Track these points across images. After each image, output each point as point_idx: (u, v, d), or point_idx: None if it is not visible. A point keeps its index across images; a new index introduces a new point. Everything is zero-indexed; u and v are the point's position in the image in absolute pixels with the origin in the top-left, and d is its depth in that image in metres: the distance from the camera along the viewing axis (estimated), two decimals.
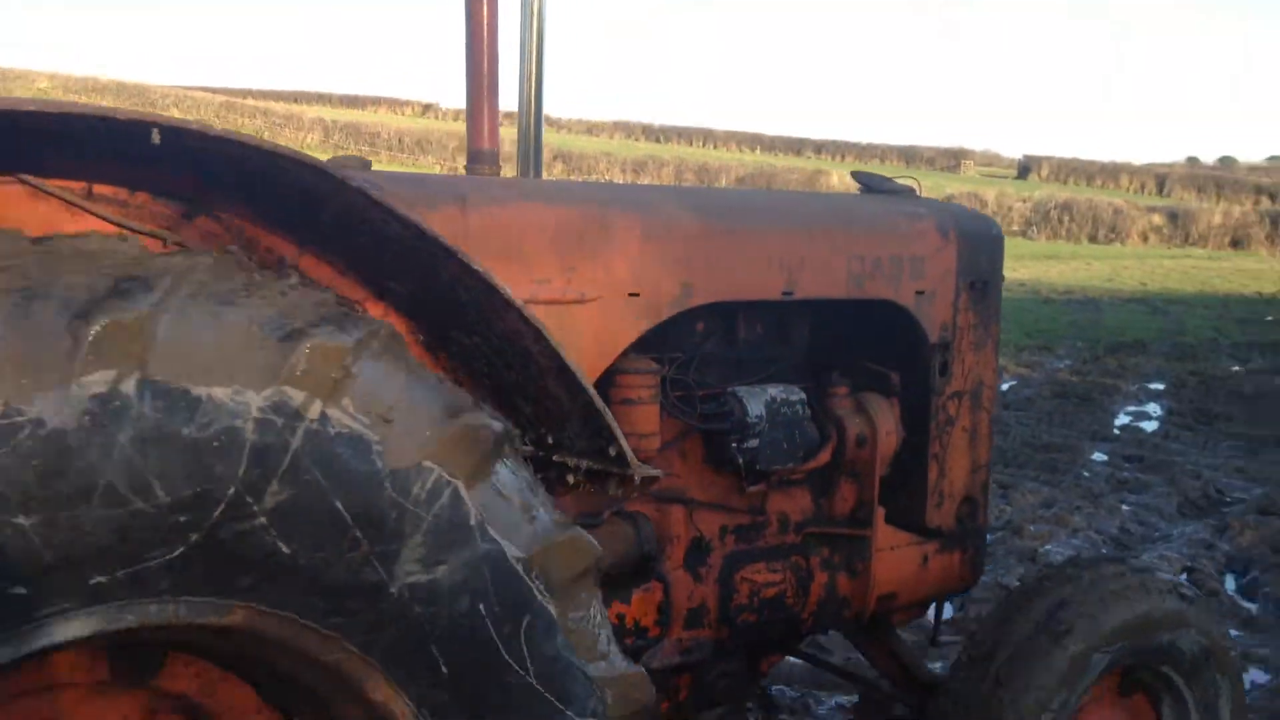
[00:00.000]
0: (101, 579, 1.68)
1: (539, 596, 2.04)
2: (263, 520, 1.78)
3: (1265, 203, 58.39)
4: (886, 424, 3.54)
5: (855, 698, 5.08)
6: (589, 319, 2.78)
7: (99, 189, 2.10)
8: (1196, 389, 13.85)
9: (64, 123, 1.78)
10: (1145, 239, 45.86)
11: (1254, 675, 5.55)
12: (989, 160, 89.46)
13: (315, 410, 1.82)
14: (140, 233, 2.07)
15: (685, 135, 78.34)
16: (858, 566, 3.57)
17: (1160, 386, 14.16)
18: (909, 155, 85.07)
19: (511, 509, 2.02)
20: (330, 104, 79.46)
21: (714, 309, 3.18)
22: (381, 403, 1.89)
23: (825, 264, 3.35)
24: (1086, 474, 9.50)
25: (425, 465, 1.93)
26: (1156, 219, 47.25)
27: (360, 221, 2.10)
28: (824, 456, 3.45)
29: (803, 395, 3.36)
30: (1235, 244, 45.36)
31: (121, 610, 1.73)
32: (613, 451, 2.29)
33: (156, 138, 1.80)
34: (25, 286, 1.67)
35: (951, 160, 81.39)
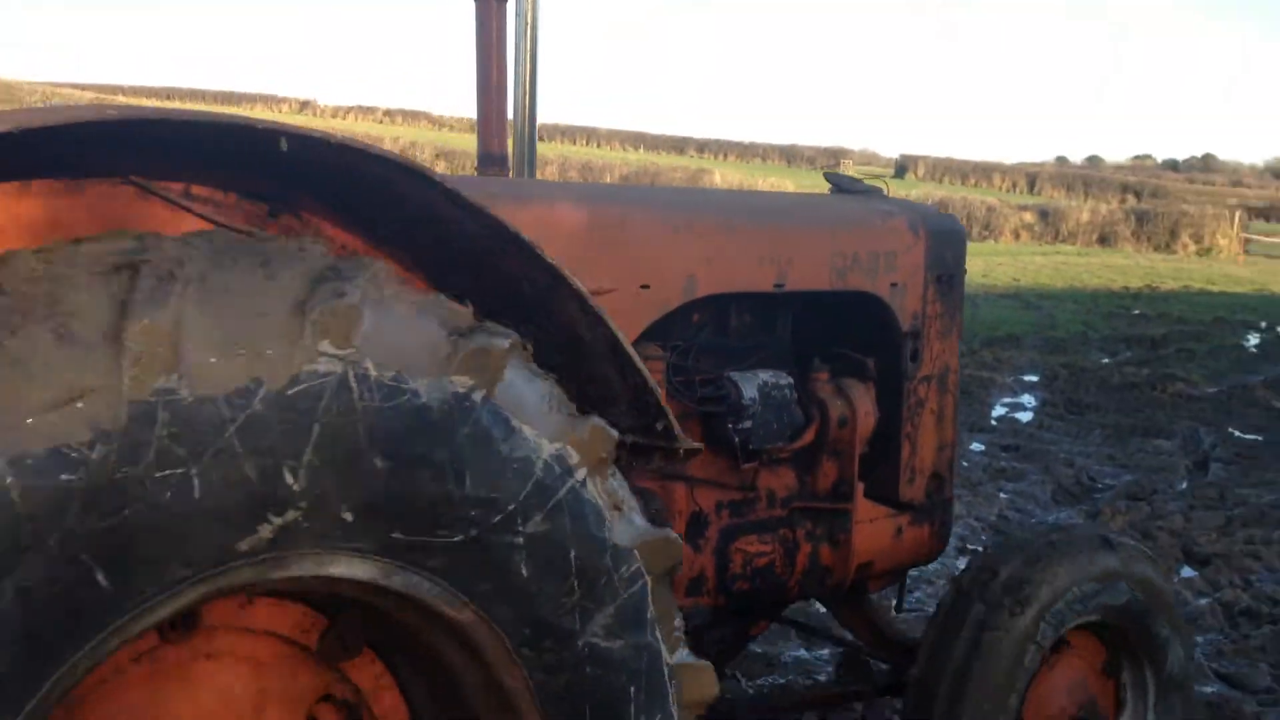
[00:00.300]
0: (399, 536, 1.97)
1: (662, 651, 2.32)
2: (521, 541, 2.08)
3: (1130, 201, 60.55)
4: (864, 406, 3.78)
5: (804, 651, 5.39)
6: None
7: (195, 189, 2.26)
8: (1068, 381, 14.32)
9: (172, 128, 1.91)
10: (1017, 236, 47.11)
11: None
12: (867, 159, 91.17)
13: (582, 472, 2.17)
14: (235, 230, 2.17)
15: (569, 134, 78.38)
16: (839, 538, 3.81)
17: (1034, 379, 14.60)
18: (790, 154, 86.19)
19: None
20: (205, 100, 77.67)
21: (710, 300, 3.41)
22: (615, 494, 2.25)
23: (812, 259, 3.62)
24: (965, 463, 9.77)
25: (632, 553, 2.25)
26: (1028, 217, 48.57)
27: (436, 217, 2.27)
28: (809, 436, 3.69)
29: (790, 380, 3.58)
30: (1103, 241, 46.85)
31: (399, 570, 2.00)
32: (660, 426, 2.52)
33: (284, 145, 1.97)
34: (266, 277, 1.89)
35: (831, 159, 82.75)
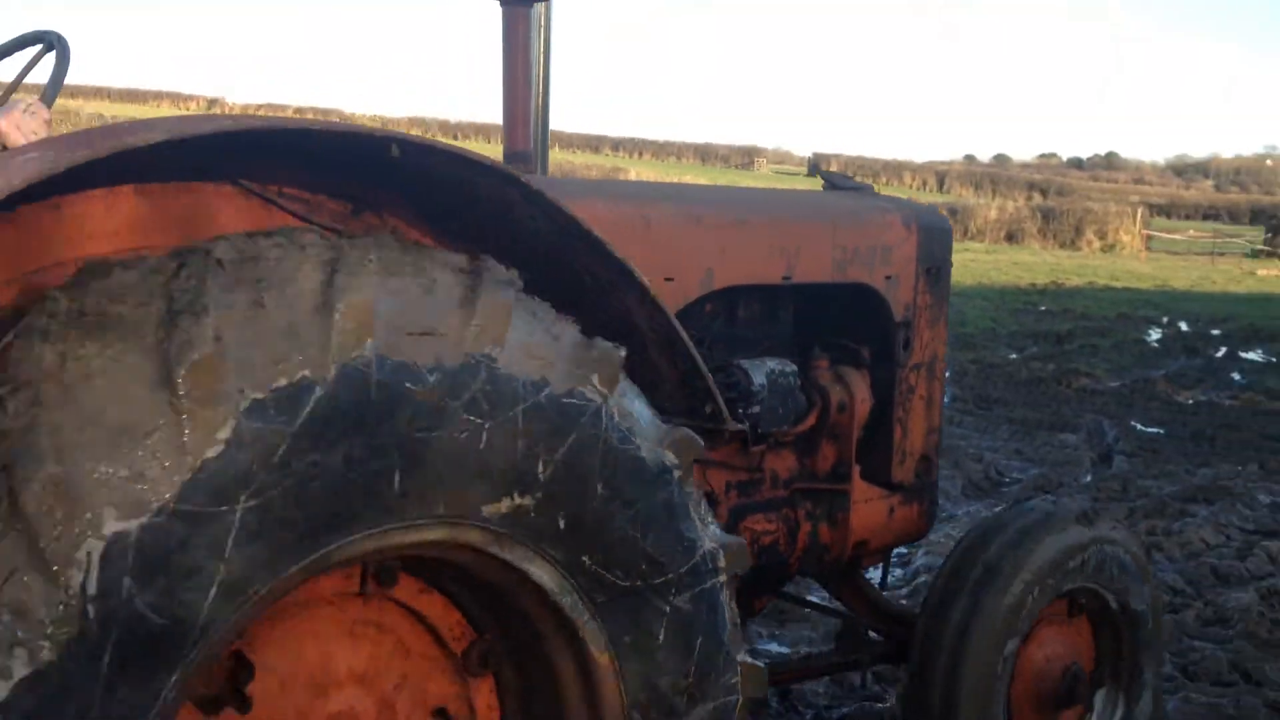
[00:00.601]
0: (587, 560, 2.26)
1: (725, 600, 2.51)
2: (637, 535, 2.33)
3: (1036, 198, 61.76)
4: (861, 393, 3.97)
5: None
6: None
7: (286, 189, 2.44)
8: (977, 376, 14.55)
9: (295, 136, 2.13)
10: None
11: None
12: (781, 158, 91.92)
13: (678, 474, 2.41)
14: (323, 227, 2.31)
15: (484, 131, 77.81)
16: (838, 517, 3.98)
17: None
18: (704, 153, 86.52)
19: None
20: (109, 99, 75.91)
21: (724, 292, 3.56)
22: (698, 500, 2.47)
23: (816, 252, 3.81)
24: None
25: (718, 553, 2.48)
26: None
27: (508, 214, 2.45)
28: (810, 421, 3.87)
29: (794, 368, 3.73)
30: (1010, 238, 47.68)
31: (569, 585, 2.28)
32: (709, 409, 2.72)
33: (396, 151, 2.17)
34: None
35: (745, 158, 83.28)
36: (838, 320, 4.03)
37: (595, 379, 2.29)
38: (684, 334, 2.65)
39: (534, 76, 3.76)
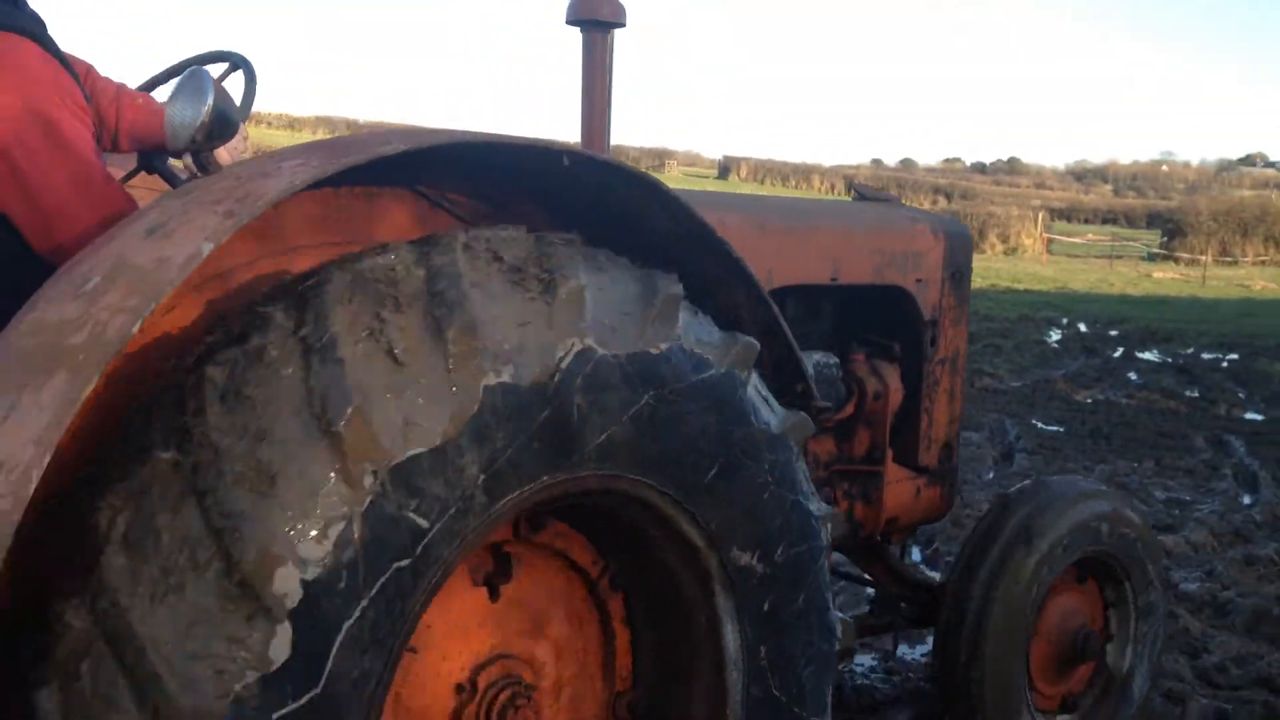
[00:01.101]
0: (693, 478, 2.60)
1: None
2: (766, 496, 2.73)
3: (941, 202, 62.74)
4: (894, 384, 4.37)
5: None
6: None
7: (450, 195, 2.81)
8: None
9: (490, 150, 2.49)
10: None
11: None
12: (691, 160, 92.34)
13: (796, 451, 2.84)
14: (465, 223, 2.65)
15: (354, 127, 76.86)
16: (872, 496, 4.37)
17: None
18: (614, 154, 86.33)
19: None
20: None
21: (778, 291, 3.81)
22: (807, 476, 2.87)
23: (858, 257, 4.21)
24: None
25: (825, 522, 2.90)
26: None
27: (636, 215, 2.78)
28: (850, 409, 4.27)
29: (836, 360, 4.14)
30: None
31: (682, 512, 2.63)
32: (799, 389, 3.05)
33: (566, 161, 2.50)
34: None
35: (656, 160, 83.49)
36: (874, 318, 4.44)
37: (739, 365, 2.69)
38: (785, 325, 3.00)
39: (609, 95, 4.08)
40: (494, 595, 2.71)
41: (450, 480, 2.16)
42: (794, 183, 74.75)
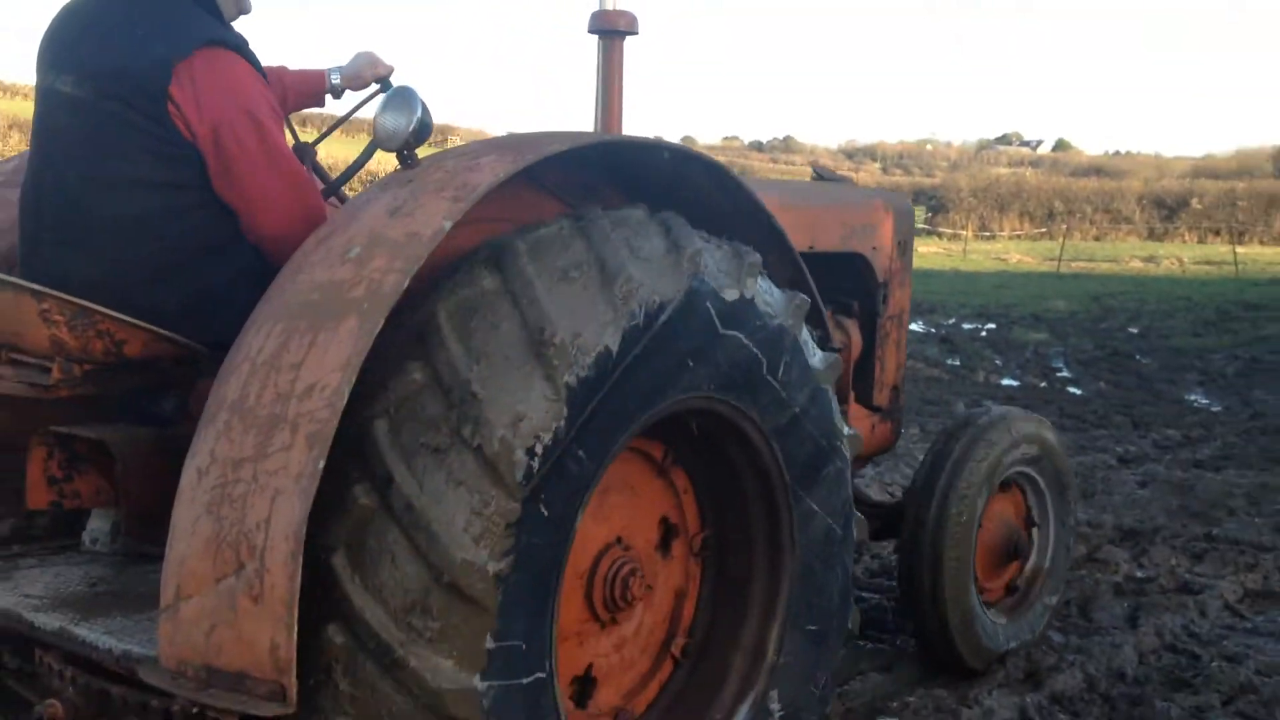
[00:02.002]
0: (757, 397, 3.32)
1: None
2: (808, 428, 3.49)
3: None
4: (855, 336, 5.04)
5: None
6: None
7: (549, 181, 3.46)
8: None
9: (607, 149, 3.35)
10: None
11: None
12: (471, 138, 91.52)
13: (832, 389, 3.64)
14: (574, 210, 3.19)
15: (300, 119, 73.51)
16: None
17: None
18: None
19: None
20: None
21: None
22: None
23: (830, 229, 4.93)
24: None
25: (849, 452, 3.75)
26: None
27: (700, 198, 3.47)
28: None
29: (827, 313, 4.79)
30: None
31: (750, 421, 3.35)
32: (819, 335, 3.69)
33: (667, 155, 3.29)
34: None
35: (440, 136, 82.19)
36: (838, 281, 5.02)
37: (796, 316, 3.42)
38: (813, 284, 3.76)
39: (622, 94, 4.65)
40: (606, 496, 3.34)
41: (611, 381, 2.82)
42: None
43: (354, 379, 2.50)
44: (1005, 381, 14.42)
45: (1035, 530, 5.32)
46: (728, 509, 3.59)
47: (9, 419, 3.39)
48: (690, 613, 3.64)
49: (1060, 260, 37.11)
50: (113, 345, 3.08)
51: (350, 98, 4.34)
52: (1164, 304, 24.10)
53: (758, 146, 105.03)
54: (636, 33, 4.61)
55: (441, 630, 2.56)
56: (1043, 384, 13.74)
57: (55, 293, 3.01)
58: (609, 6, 4.47)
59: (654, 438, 3.38)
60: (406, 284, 2.58)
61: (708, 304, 3.08)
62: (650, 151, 3.30)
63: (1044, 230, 53.82)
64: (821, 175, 5.60)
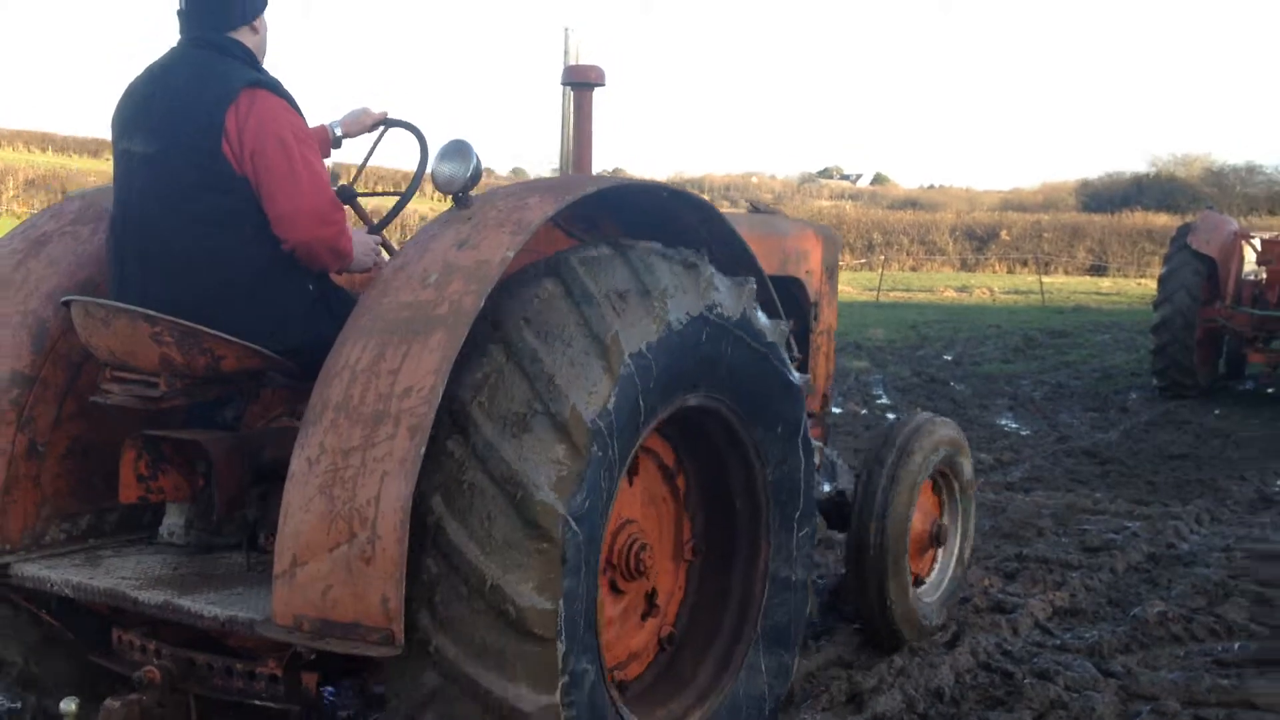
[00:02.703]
0: (749, 393, 4.15)
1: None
2: (784, 413, 4.31)
3: None
4: (793, 350, 5.55)
5: None
6: None
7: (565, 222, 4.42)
8: None
9: (629, 192, 4.12)
10: None
11: None
12: None
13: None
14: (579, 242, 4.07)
15: (88, 147, 69.24)
16: None
17: None
18: None
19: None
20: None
21: None
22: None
23: (771, 256, 5.53)
24: None
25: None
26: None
27: (692, 234, 4.25)
28: None
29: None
30: None
31: (739, 416, 4.16)
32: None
33: (666, 194, 4.12)
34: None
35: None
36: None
37: (780, 339, 4.23)
38: (779, 305, 4.55)
39: (592, 143, 5.29)
40: (630, 481, 3.99)
41: (649, 372, 3.56)
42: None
43: (446, 380, 3.15)
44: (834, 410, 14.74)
45: (946, 520, 6.14)
46: (716, 512, 4.36)
47: (93, 429, 4.08)
48: (676, 604, 4.32)
49: (879, 290, 38.29)
50: (212, 360, 3.71)
51: (365, 140, 4.84)
52: (976, 332, 25.11)
53: None
54: (604, 84, 5.19)
55: (523, 560, 3.17)
56: (864, 410, 14.11)
57: (167, 317, 3.64)
58: (578, 62, 5.13)
59: (667, 438, 4.17)
60: (482, 304, 3.25)
61: (721, 314, 3.87)
62: (651, 192, 4.12)
63: (864, 261, 55.46)
64: (757, 208, 6.36)
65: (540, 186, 3.72)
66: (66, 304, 3.85)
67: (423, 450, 3.06)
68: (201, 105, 3.75)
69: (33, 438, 3.93)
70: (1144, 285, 40.64)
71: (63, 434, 4.02)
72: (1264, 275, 15.26)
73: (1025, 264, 53.95)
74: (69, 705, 3.63)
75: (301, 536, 3.14)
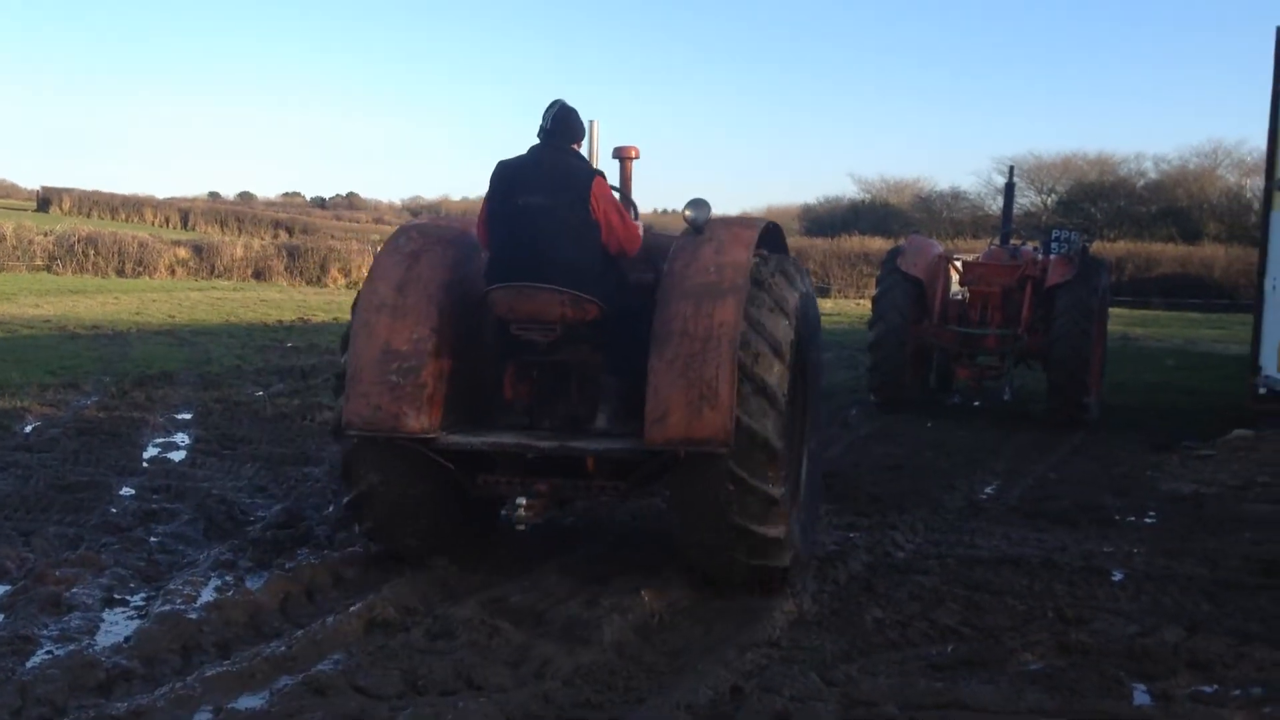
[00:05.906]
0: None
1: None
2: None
3: (283, 236, 62.32)
4: None
5: None
6: None
7: None
8: (221, 416, 14.13)
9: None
10: (173, 272, 45.87)
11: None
12: (6, 192, 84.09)
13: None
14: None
15: None
16: None
17: (187, 416, 14.25)
18: None
19: None
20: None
21: None
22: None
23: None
24: (114, 509, 9.32)
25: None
26: (182, 252, 47.33)
27: (780, 245, 8.02)
28: None
29: None
30: (258, 275, 47.27)
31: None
32: None
33: (769, 226, 7.75)
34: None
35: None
36: None
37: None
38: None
39: (631, 193, 8.45)
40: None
41: (796, 322, 6.97)
42: (124, 215, 70.32)
43: (741, 321, 6.50)
44: None
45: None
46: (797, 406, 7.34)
47: (476, 361, 7.38)
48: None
49: None
50: (583, 313, 6.98)
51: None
52: None
53: (320, 203, 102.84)
54: (639, 157, 8.24)
55: (765, 407, 6.60)
56: None
57: (568, 289, 6.90)
58: (596, 144, 8.09)
59: None
60: (745, 282, 6.64)
61: (806, 290, 7.21)
62: (774, 228, 7.57)
63: None
64: (698, 229, 7.77)
65: (740, 222, 7.24)
66: (488, 290, 7.09)
67: (735, 353, 6.41)
68: (578, 179, 7.05)
69: (442, 365, 6.89)
70: (862, 305, 42.72)
71: (461, 363, 7.07)
72: (967, 295, 16.25)
73: None
74: (520, 502, 6.89)
75: (669, 398, 6.34)
